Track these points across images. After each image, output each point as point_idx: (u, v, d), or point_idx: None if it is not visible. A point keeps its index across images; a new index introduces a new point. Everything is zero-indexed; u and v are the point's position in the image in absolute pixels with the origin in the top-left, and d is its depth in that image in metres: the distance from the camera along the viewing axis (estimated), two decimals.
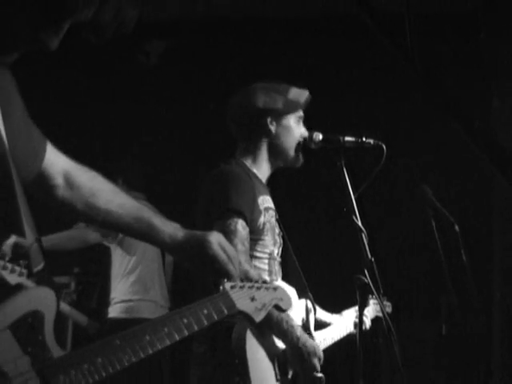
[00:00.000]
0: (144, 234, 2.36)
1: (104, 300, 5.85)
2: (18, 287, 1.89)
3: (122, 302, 5.60)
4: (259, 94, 3.72)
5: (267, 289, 2.52)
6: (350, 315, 4.08)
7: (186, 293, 5.57)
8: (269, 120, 3.69)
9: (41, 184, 2.21)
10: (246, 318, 2.43)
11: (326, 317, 3.95)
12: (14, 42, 1.76)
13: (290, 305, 2.63)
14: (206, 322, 2.18)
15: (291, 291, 3.37)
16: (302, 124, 3.79)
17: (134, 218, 2.34)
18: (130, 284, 5.62)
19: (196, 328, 2.14)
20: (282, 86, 3.78)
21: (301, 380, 3.49)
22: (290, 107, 3.73)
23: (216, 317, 2.23)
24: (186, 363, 3.58)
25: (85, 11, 1.72)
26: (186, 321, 2.11)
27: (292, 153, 3.73)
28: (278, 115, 3.71)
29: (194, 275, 3.40)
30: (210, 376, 3.42)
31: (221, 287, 2.36)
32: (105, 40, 1.80)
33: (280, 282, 3.38)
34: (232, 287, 2.36)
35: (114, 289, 5.69)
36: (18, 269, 4.52)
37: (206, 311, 2.19)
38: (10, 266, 4.51)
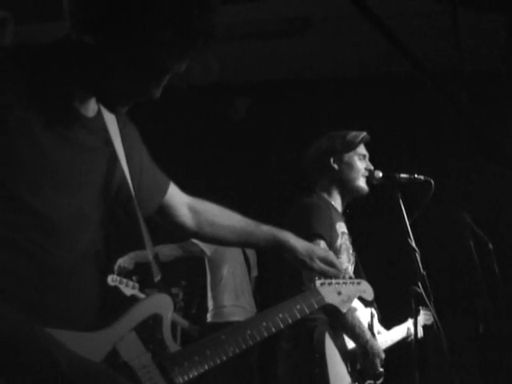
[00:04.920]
0: (267, 240, 2.27)
1: (203, 307, 5.80)
2: (133, 298, 1.87)
3: (217, 308, 5.55)
4: (323, 141, 3.76)
5: (352, 283, 2.47)
6: (403, 325, 3.92)
7: (266, 300, 5.63)
8: (332, 160, 3.68)
9: (165, 214, 2.17)
10: (334, 310, 2.36)
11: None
12: (127, 97, 1.76)
13: (371, 295, 2.57)
14: (298, 316, 2.13)
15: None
16: (366, 160, 3.73)
17: (256, 228, 2.27)
18: (223, 293, 5.56)
19: (290, 321, 2.09)
20: (344, 131, 3.77)
21: (366, 373, 3.44)
22: (348, 146, 3.69)
23: (307, 310, 2.17)
24: (272, 360, 3.55)
25: (180, 66, 1.73)
26: (281, 315, 2.06)
27: (357, 183, 3.67)
28: (339, 154, 3.68)
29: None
30: (295, 366, 3.41)
31: (312, 284, 2.33)
32: (194, 86, 1.85)
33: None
34: (321, 284, 2.33)
35: (210, 298, 5.64)
36: (131, 283, 4.59)
37: (298, 306, 2.14)
38: (125, 280, 4.59)
